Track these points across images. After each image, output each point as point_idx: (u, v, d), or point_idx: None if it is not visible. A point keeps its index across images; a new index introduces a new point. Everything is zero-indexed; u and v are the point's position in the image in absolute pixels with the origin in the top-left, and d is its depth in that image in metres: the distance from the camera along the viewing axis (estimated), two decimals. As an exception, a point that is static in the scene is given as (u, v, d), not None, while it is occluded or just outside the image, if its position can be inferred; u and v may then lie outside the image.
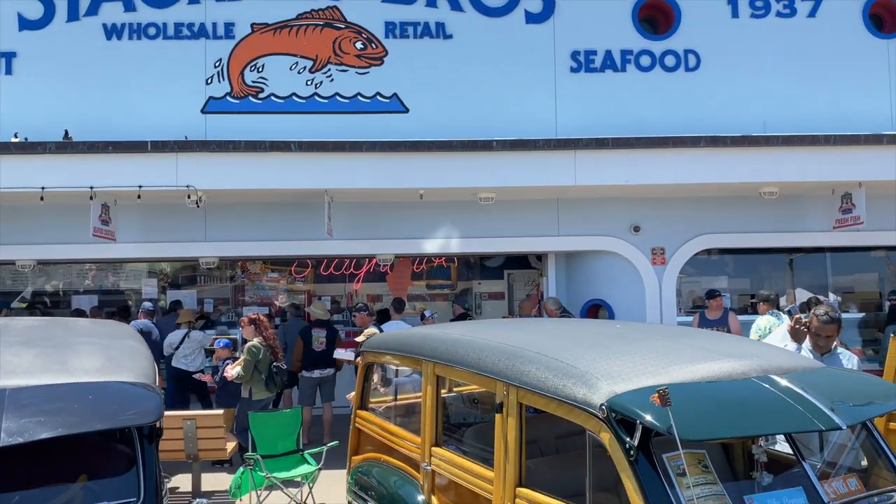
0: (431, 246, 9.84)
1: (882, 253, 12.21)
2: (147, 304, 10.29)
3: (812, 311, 4.70)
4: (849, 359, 4.63)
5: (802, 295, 11.64)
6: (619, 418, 2.90)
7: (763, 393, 3.04)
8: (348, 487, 5.08)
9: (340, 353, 8.72)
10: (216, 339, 8.86)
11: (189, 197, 8.54)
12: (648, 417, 2.76)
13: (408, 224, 9.78)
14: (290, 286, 13.06)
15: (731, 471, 3.55)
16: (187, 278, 13.14)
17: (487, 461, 3.70)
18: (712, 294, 9.16)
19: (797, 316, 4.68)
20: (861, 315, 11.51)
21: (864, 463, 3.41)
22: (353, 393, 8.48)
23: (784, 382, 3.10)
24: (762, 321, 8.14)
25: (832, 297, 12.37)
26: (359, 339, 7.89)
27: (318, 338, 8.92)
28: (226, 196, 9.08)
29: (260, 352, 7.64)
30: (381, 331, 8.89)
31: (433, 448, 4.20)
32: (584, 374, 3.19)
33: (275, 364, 7.73)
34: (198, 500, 3.31)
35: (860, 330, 11.29)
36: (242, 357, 7.69)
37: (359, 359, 7.69)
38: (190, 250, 9.68)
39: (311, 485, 6.66)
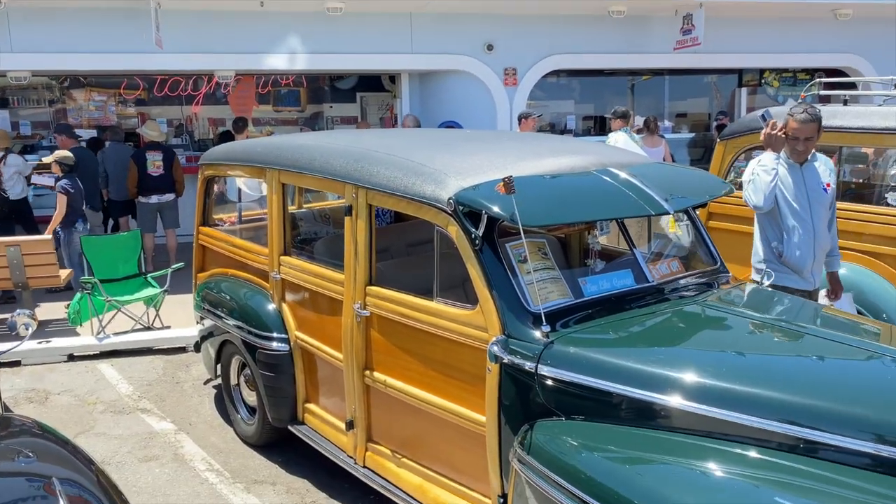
0: (276, 62, 9.20)
1: (713, 77, 12.94)
2: None
3: (788, 111, 3.95)
4: (825, 163, 4.04)
5: (639, 121, 12.25)
6: (467, 211, 2.93)
7: (601, 184, 3.15)
8: (195, 304, 4.95)
9: (38, 179, 8.19)
10: None
11: (-17, -4, 7.31)
12: (493, 207, 2.79)
13: (249, 37, 9.02)
14: (120, 111, 11.93)
15: (568, 261, 3.76)
16: (-3, 99, 11.64)
17: (338, 266, 3.68)
18: (523, 115, 8.89)
19: (772, 121, 3.96)
20: (692, 135, 12.34)
21: (687, 252, 3.71)
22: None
23: (622, 175, 3.23)
24: (614, 136, 8.45)
25: (667, 122, 13.12)
26: (46, 159, 7.43)
27: (154, 161, 8.28)
28: (31, -3, 7.86)
29: None
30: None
31: (282, 257, 4.12)
32: (433, 172, 3.15)
33: None
34: (19, 311, 3.05)
35: (690, 150, 12.15)
36: None
37: (57, 184, 7.27)
38: (-8, 62, 8.46)
39: (156, 307, 6.47)
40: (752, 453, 2.31)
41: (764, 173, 3.89)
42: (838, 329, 2.98)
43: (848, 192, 4.82)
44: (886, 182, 4.60)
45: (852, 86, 5.51)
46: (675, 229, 3.88)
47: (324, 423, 3.92)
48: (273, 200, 4.14)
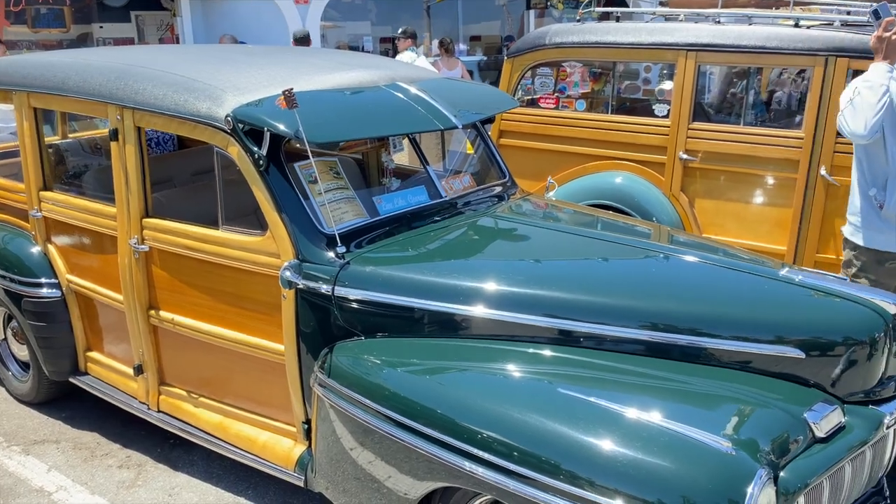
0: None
1: (504, 0, 13.23)
2: None
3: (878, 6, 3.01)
4: None
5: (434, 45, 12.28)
6: (247, 129, 2.72)
7: (391, 98, 3.07)
8: (-58, 254, 4.27)
9: None
10: None
11: None
12: (277, 124, 2.61)
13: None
14: None
15: (365, 181, 3.68)
16: None
17: (110, 199, 3.31)
18: (300, 38, 8.38)
19: (888, 19, 2.92)
20: (485, 58, 12.60)
21: (478, 168, 3.77)
22: None
23: (412, 90, 3.16)
24: (403, 56, 8.37)
25: (463, 46, 13.28)
26: None
27: None
28: None
29: None
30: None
31: (42, 193, 3.64)
32: (207, 88, 2.89)
33: None
34: None
35: (483, 73, 12.42)
36: None
37: None
38: None
39: None
40: (546, 352, 2.42)
41: (868, 91, 2.84)
42: (616, 231, 3.19)
43: (622, 105, 5.14)
44: (654, 95, 4.95)
45: (625, 4, 5.83)
46: (471, 151, 3.93)
47: (110, 371, 3.59)
48: (25, 128, 3.61)
